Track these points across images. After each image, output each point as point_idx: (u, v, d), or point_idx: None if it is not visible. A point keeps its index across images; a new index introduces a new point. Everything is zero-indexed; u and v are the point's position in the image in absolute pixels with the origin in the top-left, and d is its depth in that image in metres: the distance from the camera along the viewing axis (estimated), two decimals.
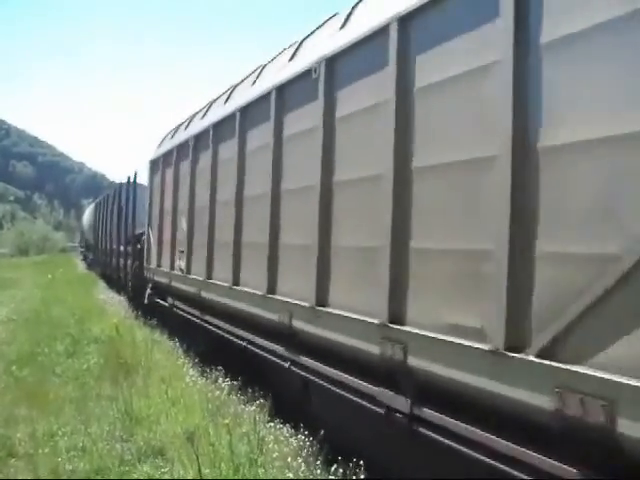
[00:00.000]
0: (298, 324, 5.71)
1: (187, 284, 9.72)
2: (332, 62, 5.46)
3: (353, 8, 5.77)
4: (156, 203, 12.67)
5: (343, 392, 5.03)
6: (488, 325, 3.41)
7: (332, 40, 5.64)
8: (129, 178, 19.07)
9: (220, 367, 8.19)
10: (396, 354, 4.13)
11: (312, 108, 5.68)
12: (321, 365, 5.44)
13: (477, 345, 3.45)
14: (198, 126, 9.93)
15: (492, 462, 3.37)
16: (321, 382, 5.42)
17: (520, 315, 3.21)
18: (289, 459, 5.22)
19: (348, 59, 5.24)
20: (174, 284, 10.68)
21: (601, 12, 2.87)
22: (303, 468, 5.11)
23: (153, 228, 12.96)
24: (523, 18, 3.31)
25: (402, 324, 4.19)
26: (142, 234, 15.65)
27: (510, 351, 3.21)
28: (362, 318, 4.61)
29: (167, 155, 11.86)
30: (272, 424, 6.19)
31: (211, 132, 8.89)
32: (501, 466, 3.31)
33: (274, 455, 5.26)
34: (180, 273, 10.15)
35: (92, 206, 36.48)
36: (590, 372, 2.77)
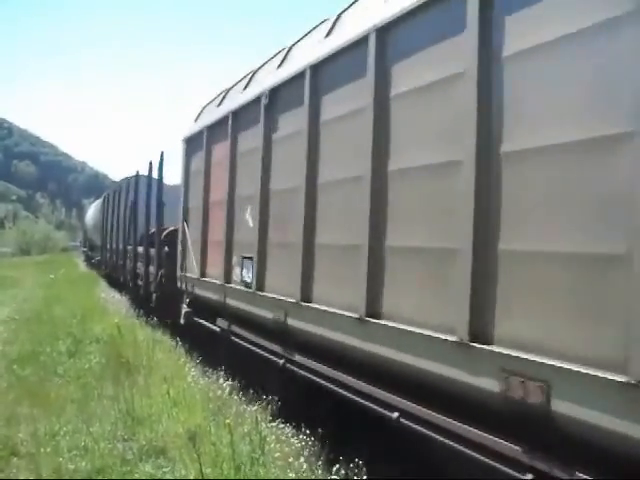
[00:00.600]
0: None
1: (258, 305, 6.80)
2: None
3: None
4: (196, 192, 9.71)
5: None
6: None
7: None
8: (138, 172, 17.17)
9: (222, 367, 8.20)
10: None
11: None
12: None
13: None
14: (280, 75, 6.78)
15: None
16: None
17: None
18: (291, 459, 5.22)
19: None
20: (232, 303, 7.71)
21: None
22: (305, 468, 5.12)
23: (191, 225, 10.09)
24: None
25: None
26: (154, 233, 13.61)
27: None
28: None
29: (216, 126, 8.84)
30: (274, 424, 6.19)
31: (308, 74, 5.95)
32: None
33: (276, 455, 5.26)
34: (243, 288, 7.26)
35: (98, 202, 32.79)
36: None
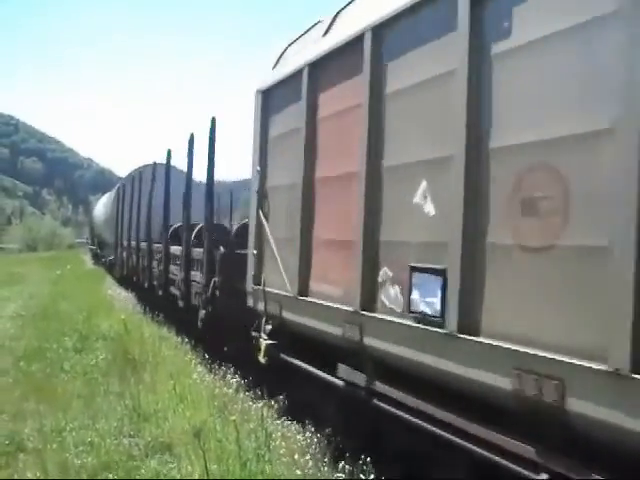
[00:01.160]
0: None
1: (460, 359, 3.73)
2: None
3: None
4: (284, 165, 6.54)
5: None
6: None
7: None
8: (169, 153, 14.35)
9: (228, 364, 8.20)
10: None
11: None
12: None
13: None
14: None
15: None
16: None
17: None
18: (296, 456, 5.22)
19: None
20: (380, 346, 4.59)
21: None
22: (310, 465, 5.12)
23: (274, 215, 6.77)
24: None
25: None
26: (179, 228, 12.20)
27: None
28: None
29: (331, 59, 5.65)
30: (279, 421, 6.20)
31: None
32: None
33: (281, 452, 5.27)
34: (413, 324, 4.22)
35: (109, 194, 28.89)
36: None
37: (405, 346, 4.27)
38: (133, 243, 17.19)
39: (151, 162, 17.12)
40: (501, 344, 3.39)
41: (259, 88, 7.28)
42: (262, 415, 5.90)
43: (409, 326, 4.22)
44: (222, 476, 4.77)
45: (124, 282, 19.68)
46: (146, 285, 14.62)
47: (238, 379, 7.63)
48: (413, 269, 4.20)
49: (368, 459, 4.84)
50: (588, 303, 2.92)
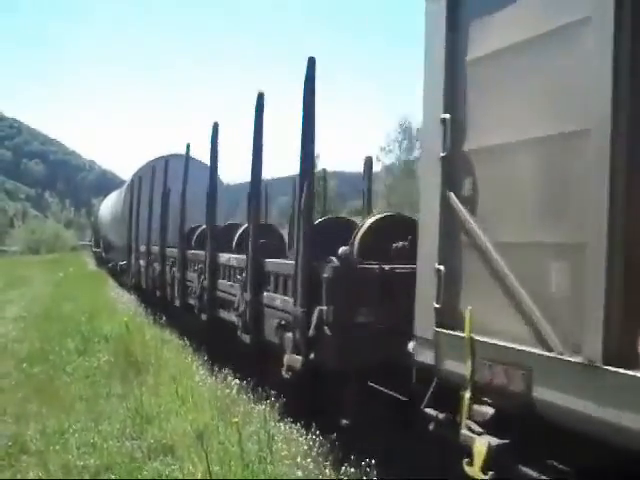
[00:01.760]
0: None
1: None
2: None
3: None
4: (523, 108, 3.53)
5: None
6: None
7: None
8: (188, 145, 12.45)
9: (230, 366, 8.20)
10: None
11: None
12: None
13: None
14: None
15: None
16: None
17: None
18: (299, 458, 5.22)
19: None
20: None
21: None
22: (313, 467, 5.12)
23: (494, 203, 3.75)
24: None
25: None
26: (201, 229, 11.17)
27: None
28: None
29: None
30: (282, 423, 6.20)
31: None
32: None
33: (283, 454, 5.27)
34: None
35: (119, 192, 23.95)
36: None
37: None
38: (155, 248, 13.93)
39: (173, 152, 15.27)
40: None
41: None
42: (264, 417, 5.90)
43: None
44: (225, 478, 4.77)
45: (144, 296, 16.26)
46: (178, 303, 11.09)
47: (239, 381, 7.63)
48: None
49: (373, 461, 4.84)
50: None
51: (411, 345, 4.22)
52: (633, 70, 2.88)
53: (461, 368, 3.69)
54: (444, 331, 3.92)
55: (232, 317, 7.84)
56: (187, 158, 12.29)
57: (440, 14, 4.13)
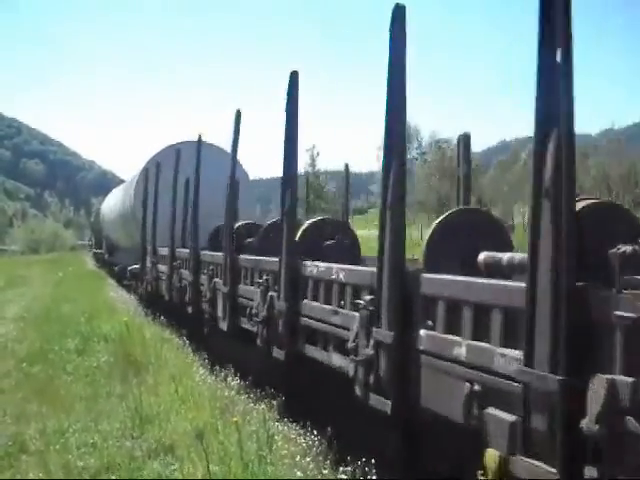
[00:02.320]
0: None
1: None
2: None
3: None
4: None
5: None
6: None
7: None
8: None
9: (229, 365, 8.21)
10: None
11: None
12: None
13: None
14: None
15: None
16: None
17: None
18: (298, 458, 5.23)
19: None
20: None
21: None
22: (312, 467, 5.13)
23: None
24: None
25: None
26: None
27: None
28: None
29: None
30: (280, 423, 6.21)
31: None
32: None
33: (283, 453, 5.28)
34: None
35: (126, 185, 20.42)
36: None
37: None
38: (183, 252, 11.47)
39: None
40: None
41: None
42: (264, 417, 5.91)
43: None
44: (224, 477, 4.78)
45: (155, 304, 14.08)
46: (224, 326, 8.38)
47: (239, 381, 7.65)
48: None
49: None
50: None
51: None
52: None
53: None
54: None
55: (337, 361, 5.30)
56: (199, 147, 11.07)
57: None
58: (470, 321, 3.69)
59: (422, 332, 4.10)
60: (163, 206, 13.38)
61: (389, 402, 4.32)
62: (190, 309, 10.46)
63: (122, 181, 29.87)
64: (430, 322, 4.06)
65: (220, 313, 8.66)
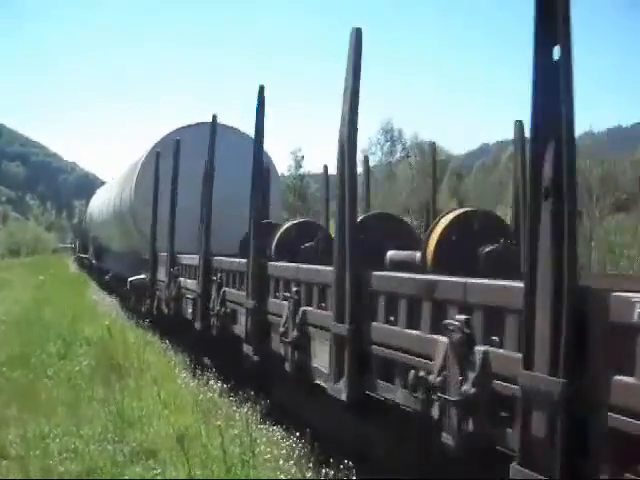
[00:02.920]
0: None
1: None
2: None
3: None
4: None
5: None
6: None
7: None
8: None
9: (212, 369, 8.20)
10: None
11: None
12: None
13: None
14: None
15: None
16: None
17: None
18: (281, 461, 5.24)
19: None
20: None
21: None
22: (295, 470, 5.14)
23: None
24: None
25: None
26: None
27: None
28: None
29: None
30: (264, 426, 6.21)
31: None
32: None
33: (266, 457, 5.28)
34: None
35: (122, 179, 16.73)
36: None
37: None
38: (226, 262, 8.04)
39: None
40: None
41: None
42: (247, 420, 5.91)
43: None
44: None
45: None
46: (288, 368, 5.55)
47: (221, 384, 7.63)
48: None
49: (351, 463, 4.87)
50: None
51: None
52: None
53: None
54: None
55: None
56: (213, 132, 8.85)
57: None
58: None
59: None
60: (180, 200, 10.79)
61: None
62: (251, 350, 6.49)
63: (104, 183, 29.61)
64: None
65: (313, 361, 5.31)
